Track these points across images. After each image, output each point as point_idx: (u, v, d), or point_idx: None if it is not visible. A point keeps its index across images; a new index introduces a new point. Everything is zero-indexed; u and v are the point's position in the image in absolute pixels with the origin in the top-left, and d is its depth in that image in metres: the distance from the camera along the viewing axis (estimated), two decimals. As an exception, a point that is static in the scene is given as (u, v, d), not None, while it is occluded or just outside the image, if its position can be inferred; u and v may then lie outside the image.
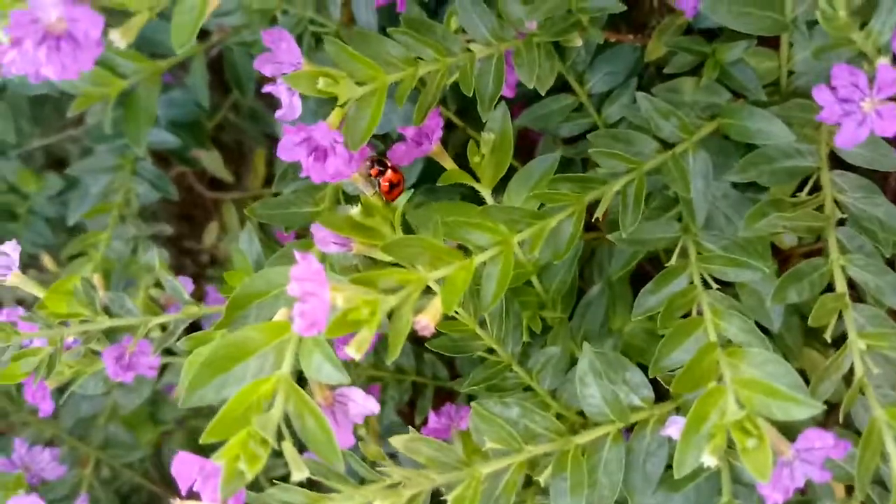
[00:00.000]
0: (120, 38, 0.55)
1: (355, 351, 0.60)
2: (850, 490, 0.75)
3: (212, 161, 1.26)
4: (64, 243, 1.30)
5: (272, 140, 1.28)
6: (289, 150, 0.65)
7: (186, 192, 1.43)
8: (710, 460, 0.63)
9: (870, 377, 0.68)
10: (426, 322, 0.62)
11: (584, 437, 0.72)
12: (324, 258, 0.74)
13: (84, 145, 1.23)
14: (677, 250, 0.81)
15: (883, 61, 0.64)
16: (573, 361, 0.85)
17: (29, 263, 1.38)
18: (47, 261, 1.23)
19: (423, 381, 1.06)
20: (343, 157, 0.65)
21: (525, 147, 1.05)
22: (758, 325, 0.80)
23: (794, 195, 0.82)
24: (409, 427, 1.10)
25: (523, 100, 0.92)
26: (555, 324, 0.85)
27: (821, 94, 0.65)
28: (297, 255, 0.59)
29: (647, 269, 1.00)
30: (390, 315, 0.63)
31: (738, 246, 0.78)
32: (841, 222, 0.78)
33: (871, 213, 0.76)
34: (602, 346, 0.89)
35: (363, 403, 0.63)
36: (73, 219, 1.13)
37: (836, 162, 0.80)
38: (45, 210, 1.26)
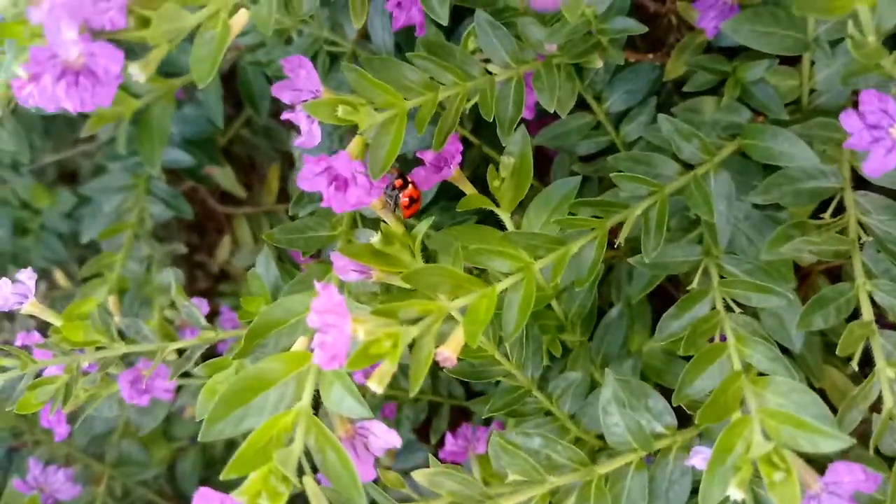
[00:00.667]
0: (139, 72, 0.55)
1: (377, 384, 0.59)
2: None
3: (224, 176, 1.25)
4: (77, 259, 1.29)
5: (285, 156, 1.27)
6: (309, 180, 0.64)
7: (199, 206, 1.42)
8: (736, 493, 0.61)
9: (898, 407, 0.67)
10: (448, 354, 0.61)
11: (607, 467, 0.71)
12: (343, 286, 0.73)
13: (97, 161, 1.22)
14: (699, 272, 0.80)
15: (911, 87, 0.63)
16: (593, 385, 0.84)
17: (41, 277, 1.38)
18: (59, 277, 1.23)
19: (438, 400, 1.05)
20: (364, 187, 0.64)
21: (540, 162, 1.04)
22: (778, 344, 0.80)
23: (815, 215, 0.81)
24: (426, 446, 1.10)
25: (540, 118, 0.91)
26: (575, 347, 0.84)
27: (849, 121, 0.64)
28: (318, 286, 0.58)
29: (666, 287, 0.99)
30: (411, 346, 0.62)
31: (762, 270, 0.77)
32: (863, 244, 0.77)
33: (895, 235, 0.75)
34: (621, 367, 0.88)
35: (385, 437, 0.62)
36: (87, 237, 1.12)
37: (859, 180, 0.79)
38: (57, 226, 1.26)
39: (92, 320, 0.76)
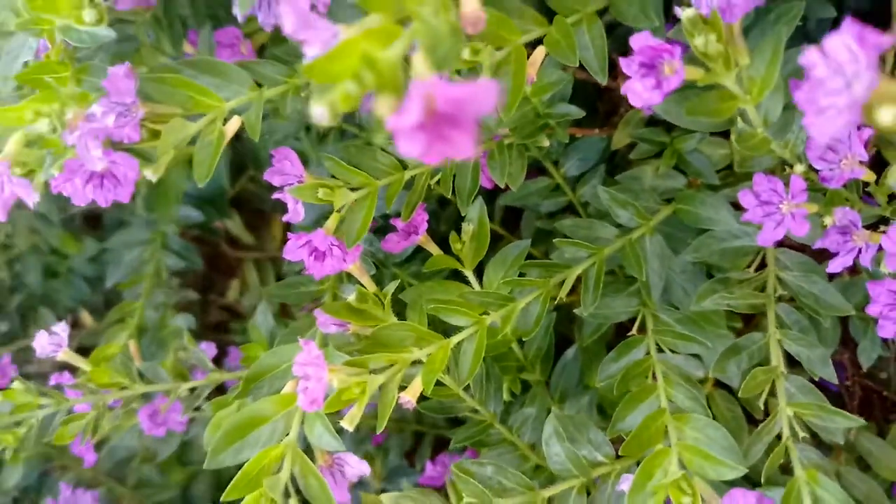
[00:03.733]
0: (152, 175, 0.68)
1: (349, 424, 0.71)
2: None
3: (234, 225, 1.38)
4: (102, 299, 1.43)
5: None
6: (293, 251, 0.77)
7: (213, 248, 1.56)
8: (654, 515, 0.73)
9: (796, 441, 0.78)
10: (408, 399, 0.74)
11: (551, 491, 0.82)
12: (325, 337, 0.85)
13: (120, 212, 1.36)
14: (639, 320, 0.91)
15: (797, 171, 0.74)
16: (550, 418, 0.95)
17: (69, 316, 1.52)
18: (85, 317, 1.36)
19: (422, 430, 1.17)
20: (338, 257, 0.77)
21: (515, 215, 1.17)
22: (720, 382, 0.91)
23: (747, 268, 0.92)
24: (412, 469, 1.22)
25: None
26: (534, 384, 0.96)
27: (745, 198, 0.76)
28: (301, 342, 0.71)
29: (624, 324, 1.10)
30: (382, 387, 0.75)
31: (691, 319, 0.89)
32: (781, 297, 0.88)
33: (808, 289, 0.86)
34: (579, 401, 0.99)
35: (357, 467, 0.75)
36: (110, 282, 1.26)
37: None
38: (83, 270, 1.39)
39: (114, 365, 0.89)
